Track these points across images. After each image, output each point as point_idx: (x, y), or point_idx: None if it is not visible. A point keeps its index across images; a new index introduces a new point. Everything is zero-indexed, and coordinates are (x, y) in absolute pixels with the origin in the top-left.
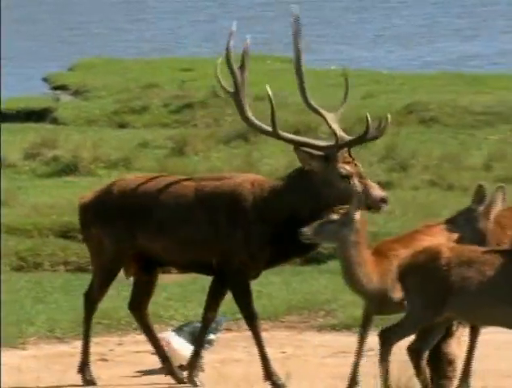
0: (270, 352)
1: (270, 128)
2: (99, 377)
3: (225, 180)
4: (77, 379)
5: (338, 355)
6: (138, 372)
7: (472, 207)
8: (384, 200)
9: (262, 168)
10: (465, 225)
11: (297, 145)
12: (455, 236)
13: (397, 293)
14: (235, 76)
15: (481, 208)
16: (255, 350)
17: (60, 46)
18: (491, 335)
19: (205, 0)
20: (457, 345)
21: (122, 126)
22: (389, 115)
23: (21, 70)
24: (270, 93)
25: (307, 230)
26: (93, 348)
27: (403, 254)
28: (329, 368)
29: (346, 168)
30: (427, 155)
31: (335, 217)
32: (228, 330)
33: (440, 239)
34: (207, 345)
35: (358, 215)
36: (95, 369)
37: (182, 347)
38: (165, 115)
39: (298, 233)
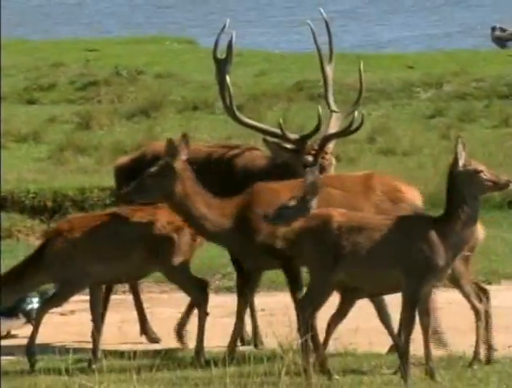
0: (168, 312)
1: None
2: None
3: (243, 150)
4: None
5: (232, 315)
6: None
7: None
8: None
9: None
10: None
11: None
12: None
13: None
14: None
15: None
16: (155, 310)
17: None
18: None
19: None
20: None
21: (31, 102)
22: (363, 113)
23: None
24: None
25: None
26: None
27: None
28: (224, 327)
29: (308, 159)
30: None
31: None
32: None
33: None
34: (21, 316)
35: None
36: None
37: None
38: (71, 92)
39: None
